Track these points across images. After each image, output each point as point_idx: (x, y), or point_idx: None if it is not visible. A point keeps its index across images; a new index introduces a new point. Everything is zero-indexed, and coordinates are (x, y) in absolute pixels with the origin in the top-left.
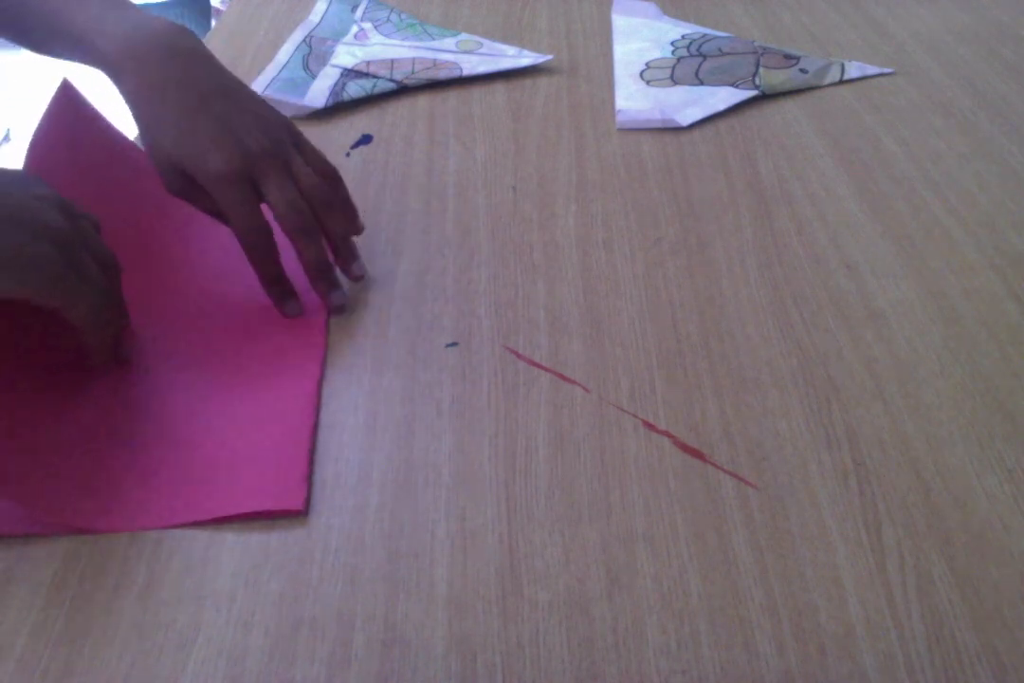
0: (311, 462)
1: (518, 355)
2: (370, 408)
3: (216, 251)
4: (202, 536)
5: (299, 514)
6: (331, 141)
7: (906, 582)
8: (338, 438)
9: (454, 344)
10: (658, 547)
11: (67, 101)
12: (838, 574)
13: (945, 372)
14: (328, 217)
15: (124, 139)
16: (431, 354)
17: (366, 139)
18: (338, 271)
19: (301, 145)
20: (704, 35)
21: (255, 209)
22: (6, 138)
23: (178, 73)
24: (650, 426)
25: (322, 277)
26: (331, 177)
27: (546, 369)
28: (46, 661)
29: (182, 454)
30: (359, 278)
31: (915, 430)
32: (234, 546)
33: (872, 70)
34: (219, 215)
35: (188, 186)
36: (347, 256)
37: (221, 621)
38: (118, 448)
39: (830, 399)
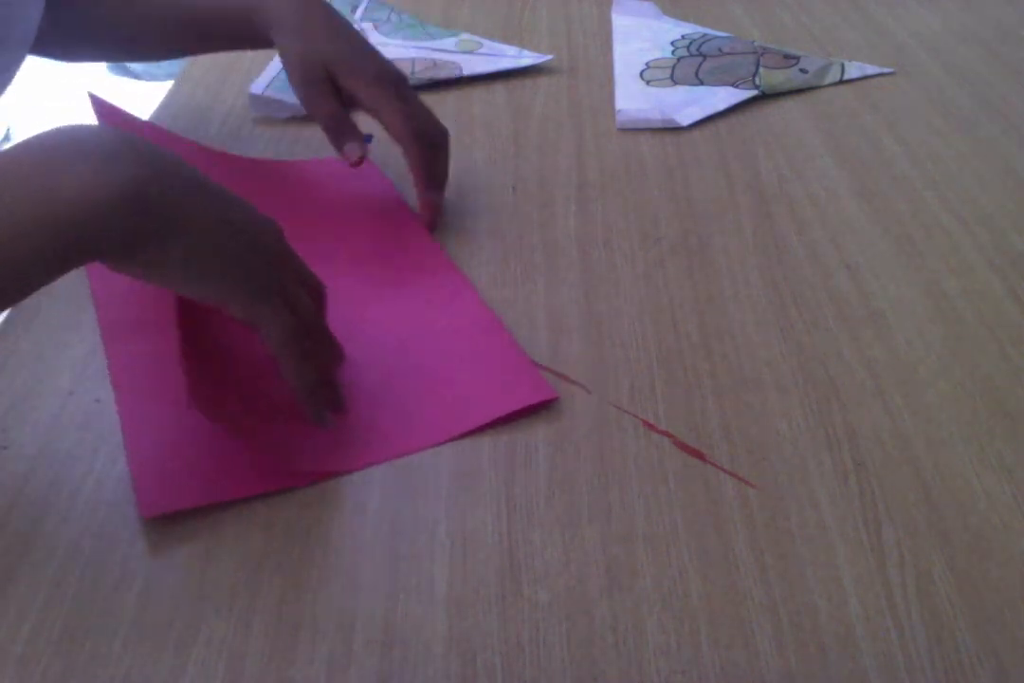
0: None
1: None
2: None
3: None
4: (202, 536)
5: (555, 401)
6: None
7: (906, 582)
8: None
9: None
10: (658, 547)
11: (106, 110)
12: (838, 574)
13: (945, 372)
14: (444, 149)
15: (170, 134)
16: None
17: (366, 139)
18: None
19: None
20: (704, 35)
21: (408, 109)
22: (6, 138)
23: (316, 3)
24: (650, 426)
25: (432, 185)
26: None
27: (546, 369)
28: (46, 661)
29: (409, 384)
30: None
31: (915, 430)
32: (234, 546)
33: (872, 70)
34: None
35: (319, 89)
36: (431, 189)
37: (221, 621)
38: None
39: (830, 399)
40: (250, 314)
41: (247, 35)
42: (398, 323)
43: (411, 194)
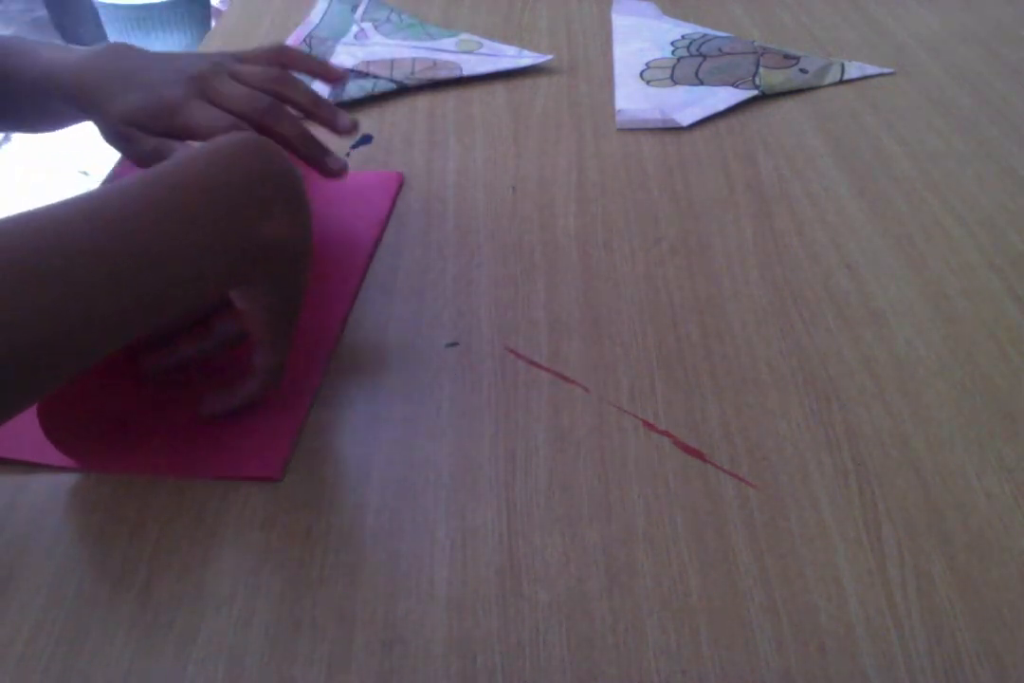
0: (298, 434)
1: (518, 355)
2: (370, 408)
3: None
4: (202, 536)
5: (275, 481)
6: (331, 141)
7: (906, 582)
8: (338, 438)
9: (454, 344)
10: (658, 547)
11: None
12: (838, 574)
13: (945, 372)
14: (288, 89)
15: None
16: (431, 354)
17: (366, 139)
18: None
19: (239, 59)
20: (704, 35)
21: (218, 110)
22: (6, 138)
23: (112, 55)
24: (650, 426)
25: (308, 144)
26: (277, 54)
27: (546, 369)
28: (46, 661)
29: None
30: (351, 130)
31: (915, 430)
32: (234, 546)
33: (872, 70)
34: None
35: (136, 145)
36: (326, 113)
37: (221, 621)
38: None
39: (830, 399)
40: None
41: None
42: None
43: (412, 195)
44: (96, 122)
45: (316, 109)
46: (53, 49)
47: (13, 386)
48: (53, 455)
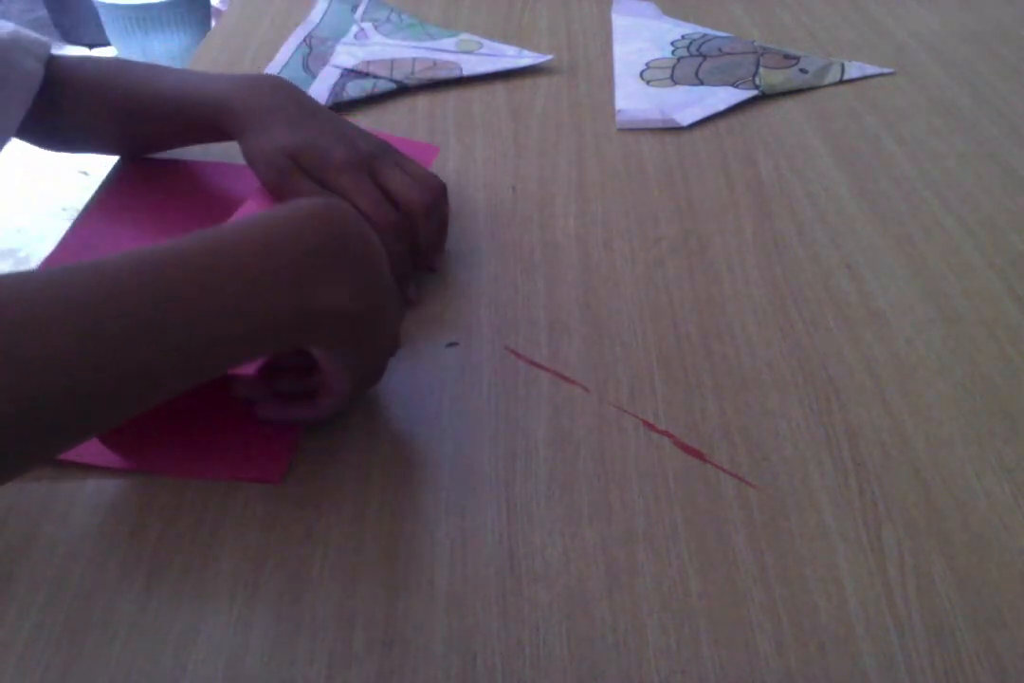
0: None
1: (518, 355)
2: (370, 408)
3: None
4: (202, 536)
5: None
6: None
7: (906, 582)
8: (338, 438)
9: (454, 344)
10: (658, 547)
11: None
12: (838, 574)
13: (945, 372)
14: (424, 224)
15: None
16: (431, 354)
17: None
18: None
19: (404, 159)
20: (704, 35)
21: (379, 194)
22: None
23: (285, 96)
24: (650, 426)
25: (438, 244)
26: (438, 188)
27: (546, 369)
28: (46, 661)
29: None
30: (435, 269)
31: (915, 430)
32: (234, 546)
33: (872, 70)
34: None
35: (288, 177)
36: (428, 256)
37: (221, 621)
38: None
39: (830, 399)
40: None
41: (214, 134)
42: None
43: None
44: (246, 144)
45: (428, 248)
46: (189, 73)
47: (52, 429)
48: None
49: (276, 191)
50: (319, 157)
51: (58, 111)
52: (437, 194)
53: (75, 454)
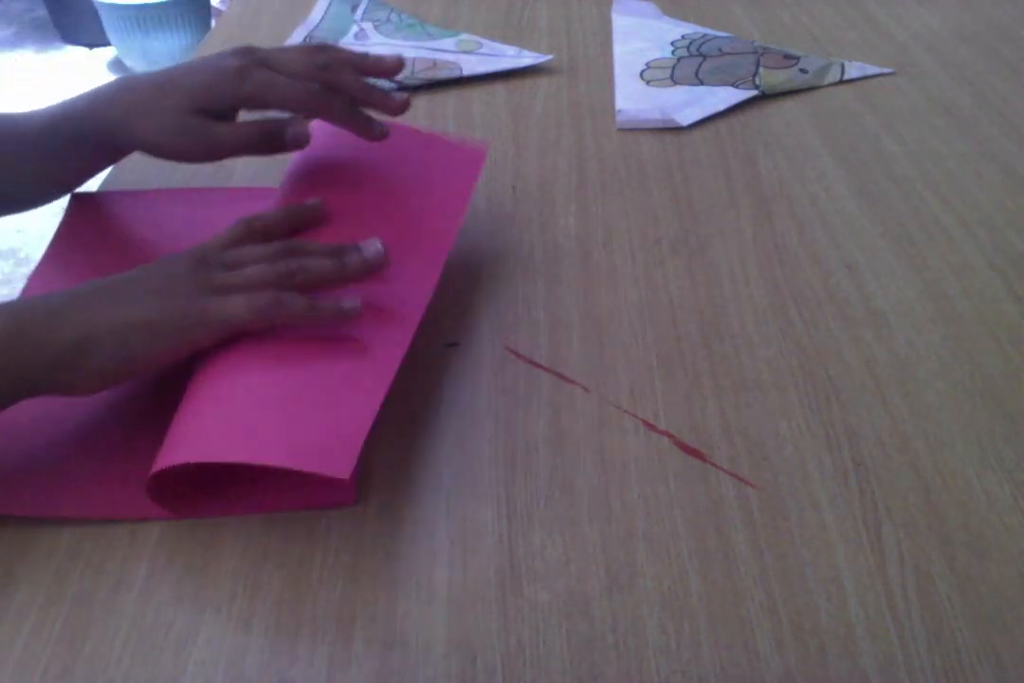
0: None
1: (518, 355)
2: None
3: None
4: (202, 536)
5: (344, 482)
6: None
7: (906, 582)
8: None
9: (454, 344)
10: (658, 547)
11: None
12: (838, 574)
13: (945, 372)
14: (335, 73)
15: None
16: (431, 354)
17: None
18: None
19: (270, 52)
20: (704, 35)
21: (280, 76)
22: None
23: (138, 81)
24: (650, 426)
25: (355, 111)
26: (318, 49)
27: (546, 369)
28: (46, 661)
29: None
30: (405, 107)
31: (915, 430)
32: (234, 546)
33: (872, 70)
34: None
35: (207, 130)
36: (376, 97)
37: (221, 621)
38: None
39: (830, 399)
40: (218, 324)
41: (101, 147)
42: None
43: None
44: (142, 135)
45: (369, 97)
46: (39, 110)
47: None
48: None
49: (202, 154)
50: (211, 84)
51: None
52: (322, 55)
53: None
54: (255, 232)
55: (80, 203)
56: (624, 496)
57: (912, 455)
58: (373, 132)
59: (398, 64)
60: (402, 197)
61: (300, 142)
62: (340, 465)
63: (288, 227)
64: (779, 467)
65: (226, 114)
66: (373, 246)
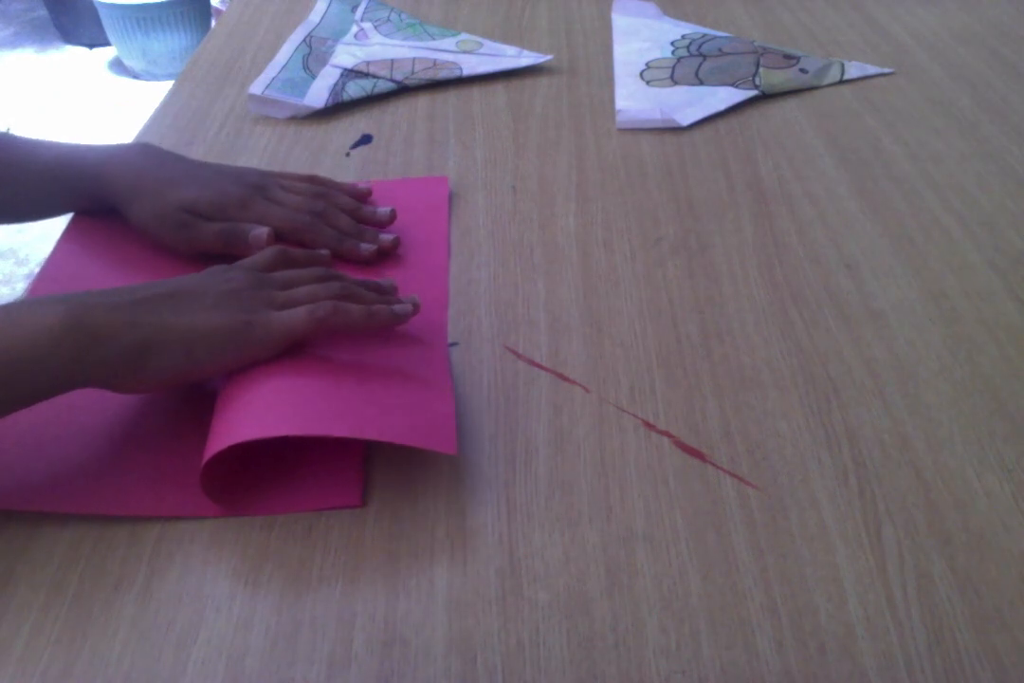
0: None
1: (518, 355)
2: None
3: None
4: (202, 536)
5: (451, 454)
6: (331, 141)
7: (906, 582)
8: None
9: (454, 344)
10: (658, 547)
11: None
12: (838, 574)
13: (945, 372)
14: (326, 210)
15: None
16: None
17: (366, 139)
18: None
19: (275, 176)
20: (704, 35)
21: (278, 207)
22: None
23: (156, 159)
24: (650, 426)
25: (346, 241)
26: (312, 180)
27: (546, 369)
28: (46, 661)
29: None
30: (394, 248)
31: (915, 430)
32: (234, 546)
33: (872, 70)
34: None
35: (195, 229)
36: (363, 234)
37: (221, 621)
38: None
39: (830, 399)
40: (280, 335)
41: (93, 203)
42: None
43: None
44: (136, 215)
45: (353, 231)
46: (55, 144)
47: None
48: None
49: (182, 245)
50: (216, 202)
51: None
52: (319, 184)
53: (171, 507)
54: (288, 261)
55: (78, 224)
56: (624, 496)
57: (912, 455)
58: (362, 254)
59: (391, 217)
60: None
61: (259, 243)
62: (446, 442)
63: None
64: (779, 467)
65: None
66: (411, 297)
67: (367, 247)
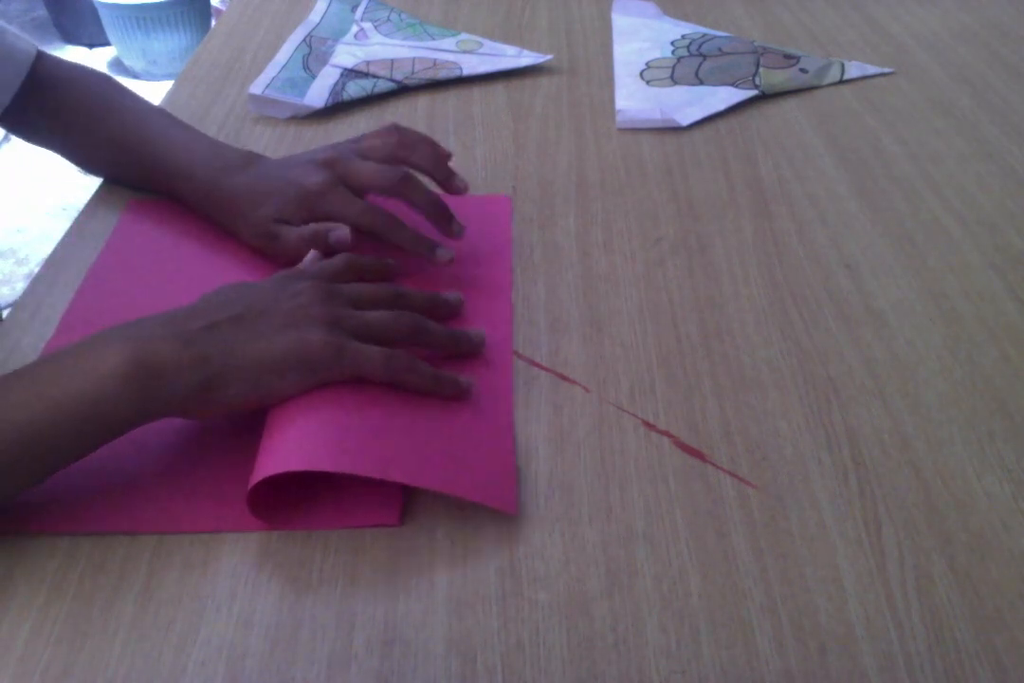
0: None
1: (518, 355)
2: None
3: None
4: (202, 536)
5: (511, 515)
6: (331, 141)
7: (906, 582)
8: None
9: None
10: (658, 547)
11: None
12: (838, 574)
13: (945, 372)
14: (410, 155)
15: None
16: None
17: None
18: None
19: (358, 139)
20: (704, 35)
21: (358, 199)
22: (6, 138)
23: (240, 166)
24: (650, 426)
25: (436, 210)
26: (388, 132)
27: (546, 369)
28: (46, 661)
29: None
30: (464, 190)
31: (915, 430)
32: (234, 546)
33: (872, 70)
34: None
35: (283, 237)
36: (445, 174)
37: (221, 621)
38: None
39: (830, 399)
40: (351, 367)
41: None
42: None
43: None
44: (234, 231)
45: (436, 171)
46: (173, 128)
47: None
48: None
49: (280, 256)
50: (297, 201)
51: (40, 109)
52: (395, 140)
53: (216, 523)
54: (358, 270)
55: (135, 207)
56: (624, 496)
57: (912, 455)
58: (451, 231)
59: (465, 186)
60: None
61: (343, 248)
62: (507, 501)
63: (379, 277)
64: (779, 467)
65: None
66: (478, 334)
67: (444, 254)
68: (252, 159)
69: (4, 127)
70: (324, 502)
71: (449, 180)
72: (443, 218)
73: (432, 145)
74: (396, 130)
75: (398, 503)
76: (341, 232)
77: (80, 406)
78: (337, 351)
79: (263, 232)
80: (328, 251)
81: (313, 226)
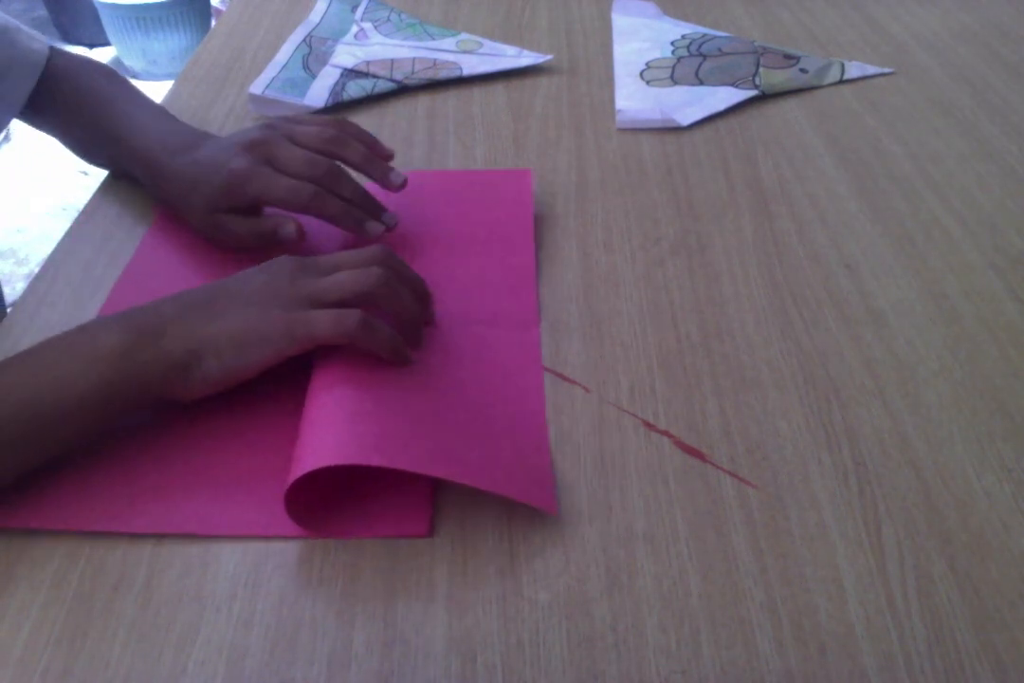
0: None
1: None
2: None
3: None
4: (202, 536)
5: (552, 515)
6: None
7: (906, 582)
8: None
9: None
10: (658, 547)
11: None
12: (838, 574)
13: (945, 372)
14: (342, 150)
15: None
16: None
17: None
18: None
19: (295, 121)
20: (704, 35)
21: (283, 178)
22: (6, 138)
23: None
24: (650, 426)
25: (364, 203)
26: (328, 123)
27: (546, 369)
28: (46, 661)
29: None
30: (401, 186)
31: (915, 430)
32: (234, 546)
33: (872, 70)
34: (259, 237)
35: (229, 232)
36: (379, 171)
37: (221, 621)
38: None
39: (830, 399)
40: (304, 334)
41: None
42: (463, 358)
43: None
44: (183, 214)
45: (370, 167)
46: (148, 121)
47: None
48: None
49: (235, 247)
50: (225, 188)
51: (52, 101)
52: (329, 135)
53: (263, 527)
54: (392, 284)
55: (167, 211)
56: (624, 496)
57: (912, 455)
58: (368, 233)
59: (390, 152)
60: (472, 235)
61: (289, 240)
62: (546, 500)
63: (410, 287)
64: (779, 467)
65: (254, 208)
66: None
67: (374, 227)
68: (199, 140)
69: (23, 119)
70: (353, 510)
71: (385, 177)
72: (372, 212)
73: (370, 143)
74: (336, 123)
75: (427, 514)
76: (287, 231)
77: (79, 384)
78: (286, 326)
79: (207, 223)
80: (278, 249)
81: (256, 224)
